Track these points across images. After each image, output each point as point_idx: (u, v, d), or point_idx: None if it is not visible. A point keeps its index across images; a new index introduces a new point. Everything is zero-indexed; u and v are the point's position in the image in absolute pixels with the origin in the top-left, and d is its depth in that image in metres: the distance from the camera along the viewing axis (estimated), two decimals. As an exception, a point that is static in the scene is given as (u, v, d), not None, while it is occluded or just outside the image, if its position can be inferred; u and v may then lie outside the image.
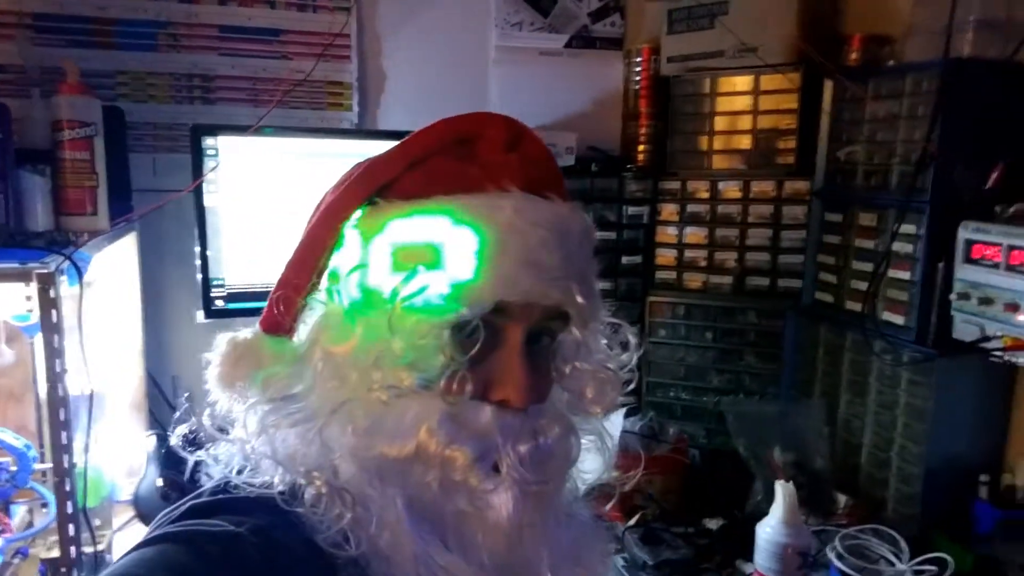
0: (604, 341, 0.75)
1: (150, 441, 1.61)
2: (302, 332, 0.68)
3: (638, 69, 2.02)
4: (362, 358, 0.62)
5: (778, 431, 1.76)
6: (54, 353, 1.02)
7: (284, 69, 1.84)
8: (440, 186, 0.65)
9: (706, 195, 1.93)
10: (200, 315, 1.60)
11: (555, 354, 0.70)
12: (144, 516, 1.49)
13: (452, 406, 0.62)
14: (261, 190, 1.59)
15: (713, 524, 1.66)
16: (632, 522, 1.62)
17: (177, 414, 0.74)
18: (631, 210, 1.95)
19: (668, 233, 1.98)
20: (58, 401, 1.04)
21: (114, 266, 1.47)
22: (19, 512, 1.37)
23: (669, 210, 1.97)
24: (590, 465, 0.77)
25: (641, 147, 2.02)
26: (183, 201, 1.68)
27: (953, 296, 1.26)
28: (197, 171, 1.50)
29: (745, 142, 1.89)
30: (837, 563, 1.41)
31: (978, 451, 1.56)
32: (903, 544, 1.44)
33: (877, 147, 1.62)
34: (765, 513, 1.63)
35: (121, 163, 1.53)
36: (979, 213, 1.27)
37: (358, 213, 0.67)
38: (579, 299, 0.66)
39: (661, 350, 2.01)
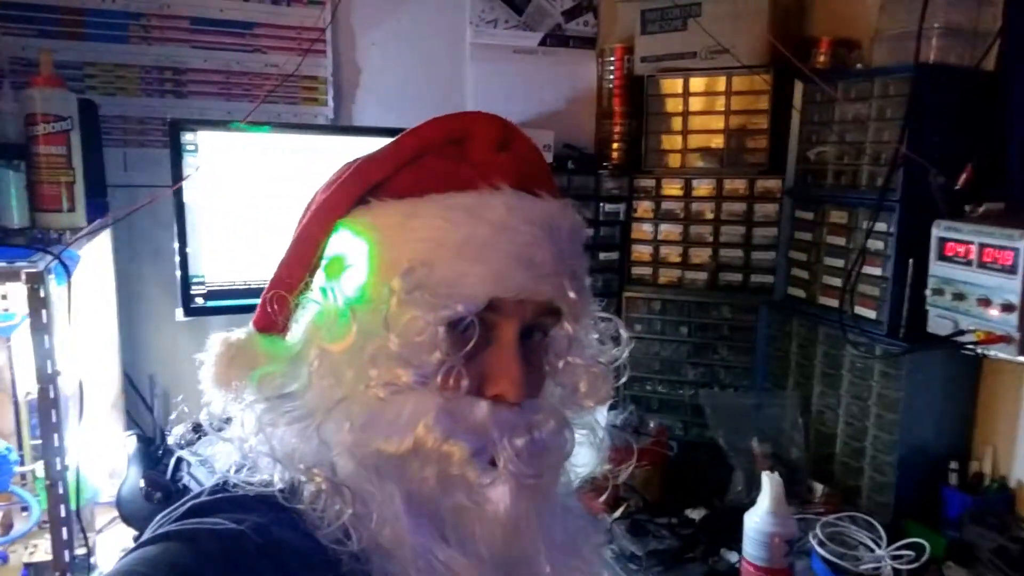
0: (595, 336, 0.77)
1: (130, 442, 1.56)
2: (296, 330, 0.68)
3: (612, 68, 2.05)
4: (358, 355, 0.63)
5: (755, 422, 1.80)
6: (45, 354, 0.99)
7: (257, 63, 1.81)
8: (432, 185, 0.66)
9: (680, 193, 1.96)
10: (179, 313, 1.56)
11: (548, 349, 0.71)
12: (128, 518, 1.45)
13: (448, 402, 0.63)
14: (239, 186, 1.56)
15: (695, 514, 1.70)
16: (618, 514, 1.64)
17: (173, 416, 0.73)
18: (607, 207, 1.97)
19: (643, 230, 2.01)
20: (49, 403, 1.00)
21: (88, 263, 1.42)
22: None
23: (644, 207, 2.00)
24: (582, 459, 0.79)
25: (615, 145, 2.05)
26: (156, 197, 1.64)
27: (928, 292, 1.31)
28: (176, 167, 1.46)
29: (718, 141, 1.93)
30: (819, 550, 1.46)
31: (947, 439, 1.63)
32: (880, 531, 1.50)
33: (847, 147, 1.68)
34: (746, 502, 1.68)
35: (96, 158, 1.49)
36: (949, 213, 1.32)
37: (350, 212, 0.68)
38: (570, 295, 0.68)
39: (637, 345, 2.03)
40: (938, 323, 1.31)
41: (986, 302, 1.22)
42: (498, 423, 0.64)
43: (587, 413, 0.79)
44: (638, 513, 1.67)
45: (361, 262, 0.65)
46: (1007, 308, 1.18)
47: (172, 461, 1.53)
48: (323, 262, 0.69)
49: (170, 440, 0.71)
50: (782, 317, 1.88)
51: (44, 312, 0.98)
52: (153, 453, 1.69)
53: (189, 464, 1.49)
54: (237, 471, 0.66)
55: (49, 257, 1.01)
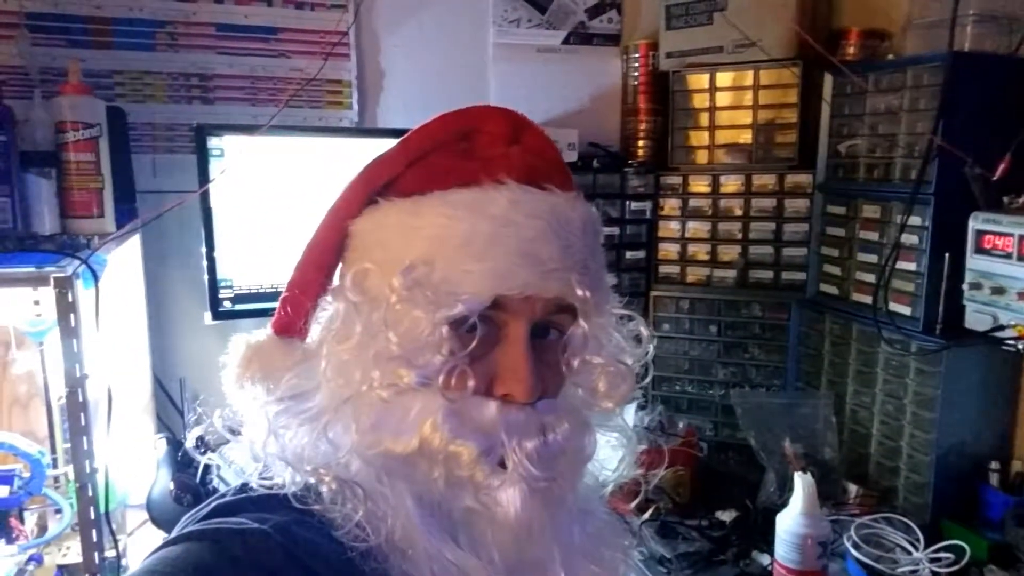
0: (616, 334, 0.75)
1: (160, 445, 1.58)
2: (315, 332, 0.68)
3: (636, 65, 2.03)
4: (363, 355, 0.63)
5: (787, 422, 1.77)
6: (74, 357, 1.00)
7: (282, 68, 1.82)
8: (437, 182, 0.65)
9: (707, 189, 1.93)
10: (208, 316, 1.58)
11: (565, 348, 0.69)
12: (158, 520, 1.46)
13: (454, 402, 0.62)
14: (265, 190, 1.57)
15: (726, 516, 1.67)
16: (647, 516, 1.62)
17: (192, 417, 0.74)
18: (634, 205, 1.95)
19: (670, 228, 1.98)
20: (78, 406, 1.02)
21: (117, 268, 1.44)
22: (30, 519, 1.35)
23: (671, 205, 1.98)
24: (613, 463, 0.77)
25: (641, 142, 2.03)
26: (184, 200, 1.66)
27: (965, 286, 1.28)
28: (203, 172, 1.48)
29: (745, 136, 1.90)
30: (854, 552, 1.43)
31: (987, 438, 1.58)
32: (918, 533, 1.46)
33: (879, 140, 1.64)
34: (778, 504, 1.65)
35: (125, 164, 1.51)
36: (987, 204, 1.28)
37: (361, 212, 0.68)
38: (579, 291, 0.65)
39: (665, 344, 2.01)
40: (976, 318, 1.27)
41: (1026, 296, 1.18)
42: (507, 424, 0.63)
43: (615, 416, 0.77)
44: (667, 515, 1.65)
45: (367, 262, 0.65)
46: (1048, 302, 1.14)
47: (202, 463, 1.55)
48: (337, 266, 0.69)
49: (188, 443, 0.71)
50: (814, 315, 1.84)
51: (72, 316, 0.99)
52: (183, 455, 1.71)
53: (219, 466, 1.51)
54: (260, 475, 0.66)
55: (77, 262, 1.02)
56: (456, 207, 0.64)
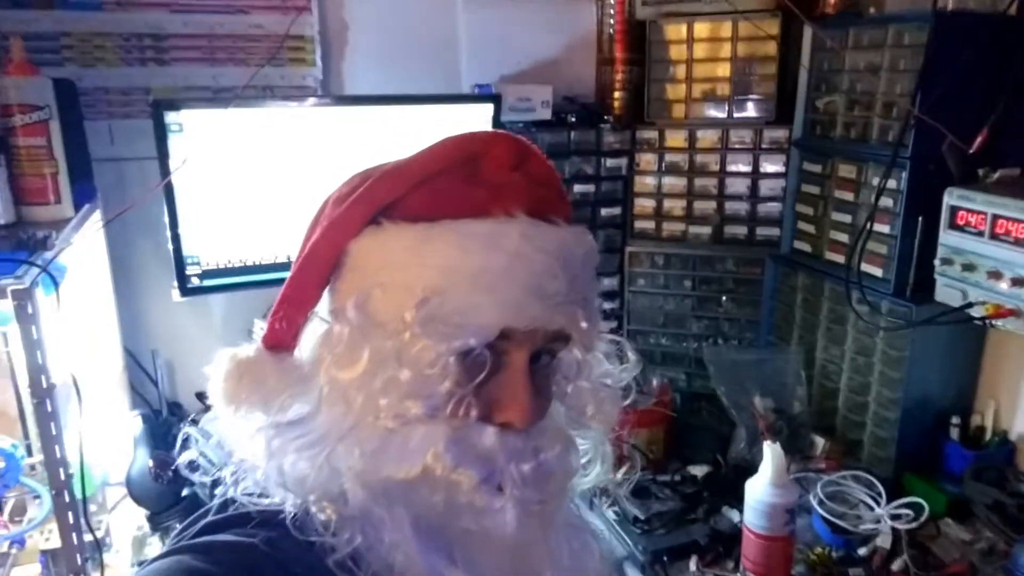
0: (602, 357, 0.76)
1: (136, 422, 1.58)
2: (304, 347, 0.68)
3: (612, 13, 1.95)
4: (368, 384, 0.62)
5: (758, 377, 1.80)
6: (39, 369, 0.98)
7: (241, 25, 1.72)
8: (446, 209, 0.64)
9: (684, 144, 1.90)
10: (176, 294, 1.55)
11: (556, 371, 0.71)
12: (138, 498, 1.47)
13: (457, 431, 0.63)
14: (229, 163, 1.52)
15: (698, 471, 1.72)
16: (620, 475, 1.66)
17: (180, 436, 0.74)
18: (609, 162, 1.92)
19: (646, 183, 1.96)
20: (47, 416, 1.01)
21: (79, 244, 1.40)
22: (10, 502, 1.36)
23: (647, 160, 1.95)
24: (589, 471, 0.79)
25: (617, 94, 1.97)
26: (145, 169, 1.61)
27: (937, 261, 1.28)
28: (162, 149, 1.42)
29: (723, 90, 1.86)
30: (819, 510, 1.49)
31: (950, 395, 1.63)
32: (880, 489, 1.52)
33: (857, 97, 1.61)
34: (748, 460, 1.71)
35: (78, 141, 1.44)
36: (962, 179, 1.28)
37: (361, 232, 0.66)
38: (583, 324, 0.67)
39: (641, 299, 2.02)
40: (946, 293, 1.29)
41: (997, 275, 1.19)
42: (506, 450, 0.64)
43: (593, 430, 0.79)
44: (642, 472, 1.70)
45: (373, 287, 0.64)
46: (1018, 282, 1.15)
47: (180, 438, 1.55)
48: (333, 282, 0.68)
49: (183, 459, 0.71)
50: (788, 271, 1.85)
51: (33, 328, 0.97)
52: (161, 426, 1.72)
53: (196, 440, 1.52)
54: (246, 492, 0.67)
55: (35, 270, 0.99)
56: (469, 238, 0.63)
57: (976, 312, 1.21)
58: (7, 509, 1.34)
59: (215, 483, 0.70)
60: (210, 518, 0.66)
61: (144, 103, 1.67)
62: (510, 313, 0.62)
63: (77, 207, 1.36)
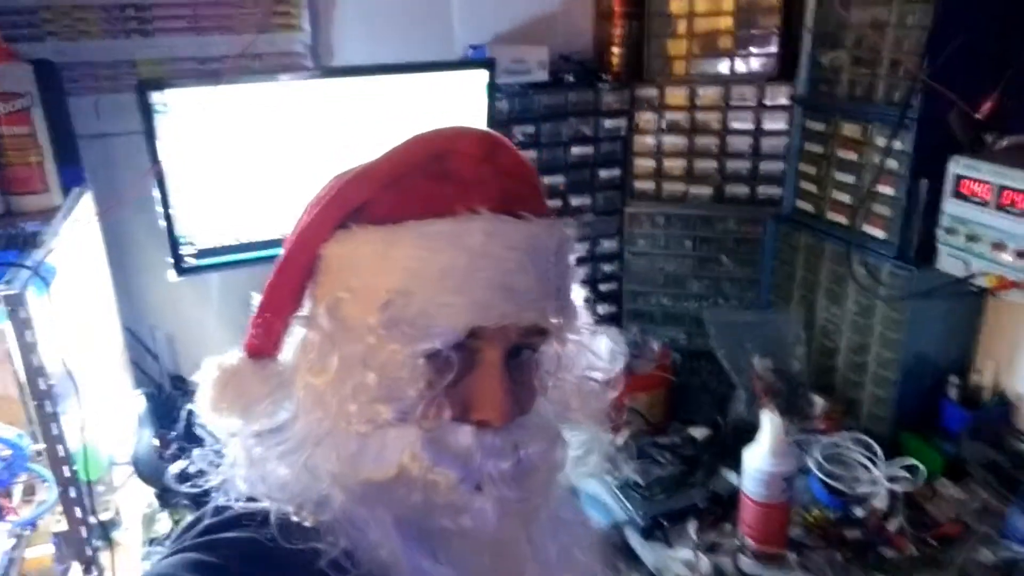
0: (589, 348, 0.75)
1: (140, 401, 1.60)
2: (287, 351, 0.68)
3: (609, -38, 1.88)
4: (340, 389, 0.62)
5: (758, 338, 1.81)
6: (36, 372, 0.99)
7: (226, -11, 1.67)
8: (411, 209, 0.63)
9: (684, 102, 1.86)
10: (172, 274, 1.55)
11: (538, 365, 0.70)
12: (146, 477, 1.50)
13: (431, 432, 0.63)
14: (219, 139, 1.48)
15: (698, 433, 1.74)
16: (621, 439, 1.68)
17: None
18: (608, 123, 1.88)
19: (646, 142, 1.92)
20: (48, 417, 1.02)
21: (71, 232, 1.39)
22: (20, 485, 1.38)
23: (646, 119, 1.90)
24: (586, 465, 0.79)
25: (615, 50, 1.91)
26: (134, 144, 1.57)
27: (940, 230, 1.26)
28: (149, 131, 1.39)
29: (725, 43, 1.80)
30: (817, 473, 1.51)
31: (949, 354, 1.63)
32: (878, 450, 1.53)
33: (862, 55, 1.56)
34: (747, 421, 1.72)
35: (64, 124, 1.41)
36: (968, 145, 1.24)
37: (332, 236, 0.65)
38: (556, 318, 0.67)
39: (640, 259, 2.01)
40: (949, 262, 1.27)
41: (1001, 246, 1.17)
42: (483, 448, 0.64)
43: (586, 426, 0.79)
44: (642, 435, 1.72)
45: (342, 292, 0.64)
46: (1022, 255, 1.14)
47: (184, 415, 1.58)
48: (310, 288, 0.68)
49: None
50: (789, 231, 1.83)
51: (28, 333, 0.97)
52: (165, 401, 1.73)
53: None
54: (237, 497, 0.67)
55: (25, 273, 0.98)
56: (432, 239, 0.62)
57: (979, 283, 1.20)
58: (18, 492, 1.37)
59: (206, 492, 0.71)
60: (208, 521, 0.66)
61: (130, 76, 1.63)
62: (477, 312, 0.61)
63: (65, 192, 1.34)
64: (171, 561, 0.61)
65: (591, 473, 0.82)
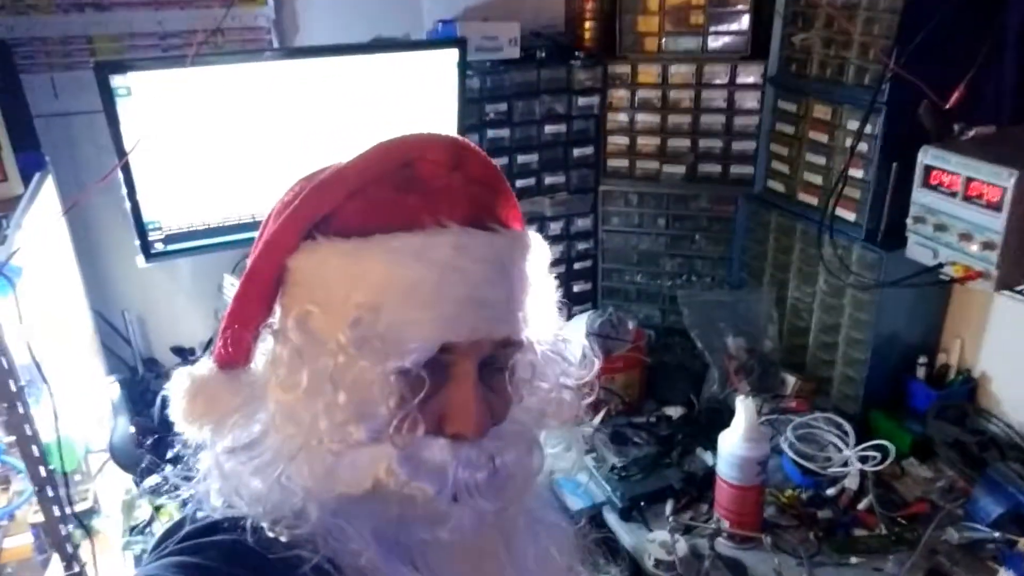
0: (561, 355, 0.75)
1: (114, 388, 1.57)
2: (256, 364, 0.67)
3: (582, -65, 1.84)
4: (310, 407, 0.62)
5: (731, 317, 1.83)
6: (5, 375, 0.96)
7: (184, -41, 1.60)
8: (378, 221, 0.62)
9: (657, 80, 1.84)
10: (141, 260, 1.51)
11: (513, 372, 0.70)
12: (124, 465, 1.48)
13: (405, 448, 0.62)
14: (183, 122, 1.43)
15: (673, 412, 1.77)
16: (598, 420, 1.70)
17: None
18: (581, 101, 1.86)
19: (619, 120, 1.91)
20: (20, 418, 0.99)
21: (34, 221, 1.35)
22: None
23: (619, 96, 1.89)
24: (563, 462, 0.80)
25: (587, 24, 1.89)
26: (95, 124, 1.52)
27: (909, 220, 1.28)
28: (111, 116, 1.33)
29: (697, 19, 1.78)
30: (789, 453, 1.54)
31: (917, 334, 1.67)
32: (848, 429, 1.57)
33: (833, 37, 1.56)
34: (720, 401, 1.75)
35: (18, 106, 1.36)
36: (937, 136, 1.26)
37: (299, 247, 0.64)
38: (527, 329, 0.67)
39: (615, 237, 2.01)
40: (918, 251, 1.29)
41: (967, 237, 1.19)
42: (458, 460, 0.64)
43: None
44: (618, 416, 1.74)
45: (310, 307, 0.63)
46: (988, 246, 1.16)
47: (159, 400, 1.55)
48: (280, 297, 0.66)
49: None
50: (761, 210, 1.84)
51: (-6, 335, 0.94)
52: (139, 384, 1.71)
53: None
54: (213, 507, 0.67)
55: (-12, 274, 0.95)
56: (400, 253, 0.61)
57: (947, 272, 1.22)
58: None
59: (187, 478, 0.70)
60: (190, 527, 0.65)
61: (85, 53, 1.57)
62: (447, 327, 0.61)
63: (26, 180, 1.29)
64: (156, 565, 0.60)
65: (570, 468, 0.83)
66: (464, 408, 0.63)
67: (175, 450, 0.69)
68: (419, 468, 0.63)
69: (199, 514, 0.67)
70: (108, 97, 1.32)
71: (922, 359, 1.65)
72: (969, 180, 1.17)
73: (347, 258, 0.62)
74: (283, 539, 0.63)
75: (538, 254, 0.69)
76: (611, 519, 1.50)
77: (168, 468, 0.72)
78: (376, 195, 0.63)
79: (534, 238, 0.70)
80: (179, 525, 0.67)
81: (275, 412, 0.63)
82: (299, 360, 0.62)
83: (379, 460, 0.62)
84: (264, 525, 0.63)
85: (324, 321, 0.61)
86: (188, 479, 0.68)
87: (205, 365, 0.68)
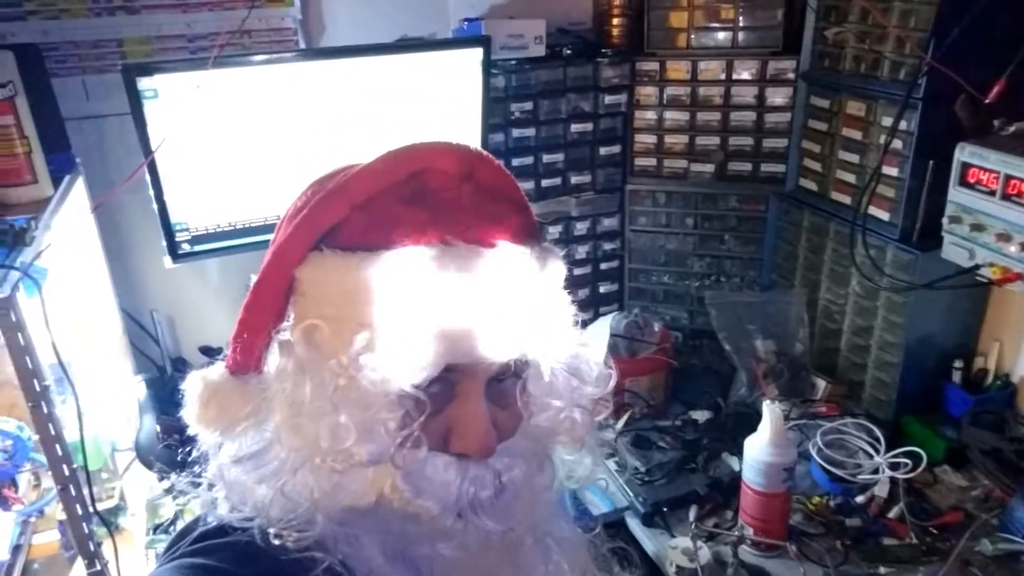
0: (575, 371, 0.72)
1: (141, 388, 1.59)
2: (267, 371, 0.66)
3: (610, -70, 1.82)
4: (314, 425, 0.61)
5: (760, 319, 1.79)
6: (29, 374, 0.98)
7: (213, -38, 1.62)
8: (384, 235, 0.61)
9: (686, 76, 1.81)
10: (168, 261, 1.53)
11: (523, 389, 0.68)
12: (149, 464, 1.50)
13: (409, 466, 0.62)
14: (210, 124, 1.45)
15: (699, 416, 1.74)
16: (621, 424, 1.68)
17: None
18: (608, 99, 1.84)
19: (646, 118, 1.88)
20: (44, 418, 1.01)
21: (64, 217, 1.37)
22: (23, 477, 1.39)
23: (647, 93, 1.86)
24: (581, 468, 0.78)
25: (615, 21, 1.86)
26: (125, 126, 1.53)
27: (945, 220, 1.24)
28: (139, 119, 1.35)
29: (728, 15, 1.75)
30: (818, 459, 1.50)
31: (953, 337, 1.61)
32: (878, 434, 1.53)
33: (868, 30, 1.51)
34: (748, 404, 1.71)
35: (49, 109, 1.38)
36: (975, 132, 1.21)
37: (306, 258, 0.63)
38: (537, 347, 0.64)
39: (642, 238, 1.99)
40: (953, 251, 1.24)
41: (1006, 237, 1.14)
42: (464, 478, 0.63)
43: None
44: (642, 419, 1.71)
45: (315, 318, 0.62)
46: (1027, 246, 1.11)
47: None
48: (291, 304, 0.66)
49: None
50: (792, 209, 1.80)
51: (20, 335, 0.95)
52: (167, 384, 1.73)
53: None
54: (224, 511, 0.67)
55: (15, 274, 0.96)
56: (404, 272, 0.60)
57: (984, 274, 1.17)
58: (24, 480, 1.37)
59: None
60: (202, 528, 0.66)
61: (117, 56, 1.60)
62: (452, 350, 0.59)
63: (56, 181, 1.31)
64: (168, 567, 0.60)
65: (585, 477, 0.81)
66: (470, 427, 0.63)
67: (190, 451, 0.69)
68: (424, 485, 0.62)
69: (210, 517, 0.67)
70: (135, 99, 1.34)
71: (958, 363, 1.60)
72: (1008, 178, 1.12)
73: (351, 273, 0.61)
74: (290, 545, 0.63)
75: (551, 270, 0.67)
76: (633, 524, 1.48)
77: (175, 474, 0.73)
78: (382, 208, 0.62)
79: (547, 253, 0.67)
80: (192, 526, 0.68)
81: (280, 423, 0.63)
82: (303, 375, 0.61)
83: (383, 478, 0.62)
84: (271, 532, 0.63)
85: (329, 337, 0.61)
86: (196, 484, 0.68)
87: (217, 370, 0.68)
